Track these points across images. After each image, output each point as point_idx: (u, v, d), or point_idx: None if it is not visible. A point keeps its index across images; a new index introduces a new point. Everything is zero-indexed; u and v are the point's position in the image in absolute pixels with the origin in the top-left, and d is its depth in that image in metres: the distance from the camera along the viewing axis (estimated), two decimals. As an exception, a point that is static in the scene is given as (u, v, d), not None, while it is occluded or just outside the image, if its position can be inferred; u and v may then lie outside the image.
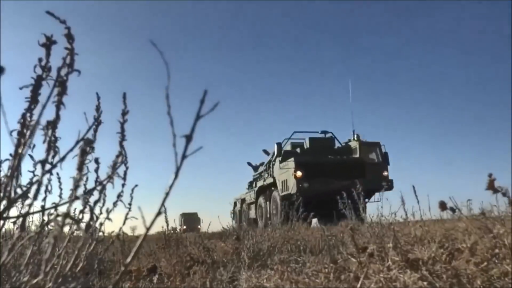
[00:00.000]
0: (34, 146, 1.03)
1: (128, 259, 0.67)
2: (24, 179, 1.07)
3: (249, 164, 20.03)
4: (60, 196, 1.46)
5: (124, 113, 1.25)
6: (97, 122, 1.20)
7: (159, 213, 0.74)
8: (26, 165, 1.10)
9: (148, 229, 0.73)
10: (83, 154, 0.72)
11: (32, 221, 1.97)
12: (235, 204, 22.01)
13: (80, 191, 0.75)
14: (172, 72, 0.62)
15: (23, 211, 1.11)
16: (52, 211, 1.18)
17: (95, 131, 1.19)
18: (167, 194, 0.73)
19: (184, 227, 35.64)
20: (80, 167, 0.70)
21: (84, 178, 1.14)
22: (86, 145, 0.74)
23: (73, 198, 0.72)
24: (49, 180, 1.28)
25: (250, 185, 19.99)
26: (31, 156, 1.02)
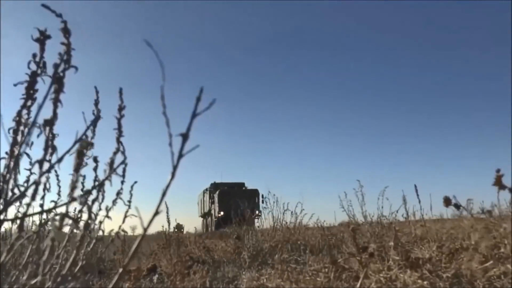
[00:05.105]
0: (32, 143, 1.01)
1: (126, 261, 0.67)
2: (21, 177, 1.06)
3: None
4: (58, 194, 1.44)
5: (121, 108, 1.23)
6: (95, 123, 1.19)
7: (156, 213, 0.74)
8: (23, 162, 1.09)
9: (145, 230, 0.73)
10: (80, 156, 0.72)
11: (33, 221, 1.96)
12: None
13: (78, 191, 0.75)
14: (167, 67, 0.61)
15: (21, 210, 1.10)
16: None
17: (94, 127, 1.18)
18: (164, 193, 0.73)
19: (221, 213, 18.64)
20: (77, 169, 0.70)
21: (82, 178, 1.13)
22: (83, 148, 0.73)
23: (70, 199, 0.71)
24: (47, 178, 1.26)
25: None
26: (27, 154, 1.01)
